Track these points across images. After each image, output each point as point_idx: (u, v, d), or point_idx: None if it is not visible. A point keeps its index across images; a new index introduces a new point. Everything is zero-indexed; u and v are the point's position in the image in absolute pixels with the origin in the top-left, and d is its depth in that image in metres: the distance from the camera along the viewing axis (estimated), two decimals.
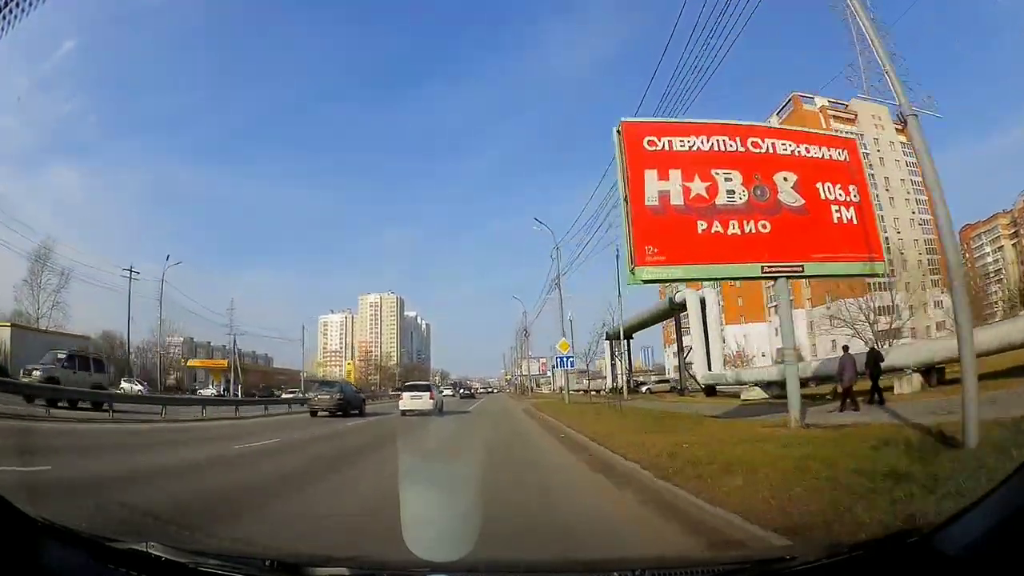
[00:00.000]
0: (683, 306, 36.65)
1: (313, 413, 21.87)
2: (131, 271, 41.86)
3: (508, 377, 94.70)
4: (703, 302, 35.83)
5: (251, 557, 2.37)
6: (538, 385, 64.01)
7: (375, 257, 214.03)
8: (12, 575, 1.60)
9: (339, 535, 4.29)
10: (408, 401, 22.69)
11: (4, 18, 2.22)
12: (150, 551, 1.81)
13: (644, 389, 43.15)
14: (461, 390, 60.46)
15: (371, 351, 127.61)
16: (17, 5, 2.23)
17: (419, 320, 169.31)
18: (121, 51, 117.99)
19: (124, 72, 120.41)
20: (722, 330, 41.24)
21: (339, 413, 21.67)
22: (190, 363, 62.74)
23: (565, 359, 28.57)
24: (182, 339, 69.14)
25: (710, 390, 30.36)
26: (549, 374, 73.78)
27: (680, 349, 39.42)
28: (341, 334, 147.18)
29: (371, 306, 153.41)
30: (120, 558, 1.78)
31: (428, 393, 23.38)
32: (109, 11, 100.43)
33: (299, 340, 62.33)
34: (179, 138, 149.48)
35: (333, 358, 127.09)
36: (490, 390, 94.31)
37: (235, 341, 56.12)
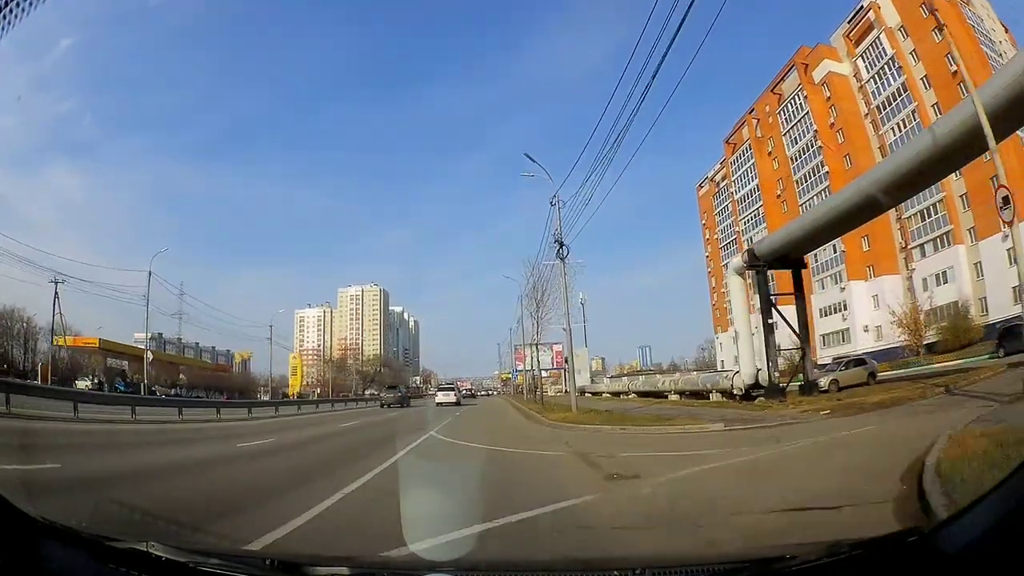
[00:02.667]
0: None
1: (382, 405, 37.65)
2: None
3: (506, 376, 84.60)
4: None
5: (251, 556, 2.43)
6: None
7: (374, 257, 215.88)
8: (12, 575, 1.66)
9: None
10: (440, 397, 39.60)
11: (4, 18, 2.25)
12: (150, 551, 1.87)
13: (825, 383, 22.85)
14: (463, 392, 69.17)
15: (351, 348, 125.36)
16: (17, 5, 2.26)
17: (406, 316, 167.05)
18: (120, 50, 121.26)
19: (123, 71, 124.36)
20: None
21: (398, 406, 37.30)
22: (59, 340, 52.30)
23: None
24: (149, 335, 66.54)
25: None
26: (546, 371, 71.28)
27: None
28: (319, 330, 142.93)
29: (352, 299, 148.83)
30: (120, 558, 1.84)
31: (453, 392, 41.06)
32: (108, 10, 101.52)
33: (279, 339, 59.55)
34: (178, 138, 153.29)
35: (309, 357, 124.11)
36: (489, 393, 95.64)
37: (56, 300, 46.49)
